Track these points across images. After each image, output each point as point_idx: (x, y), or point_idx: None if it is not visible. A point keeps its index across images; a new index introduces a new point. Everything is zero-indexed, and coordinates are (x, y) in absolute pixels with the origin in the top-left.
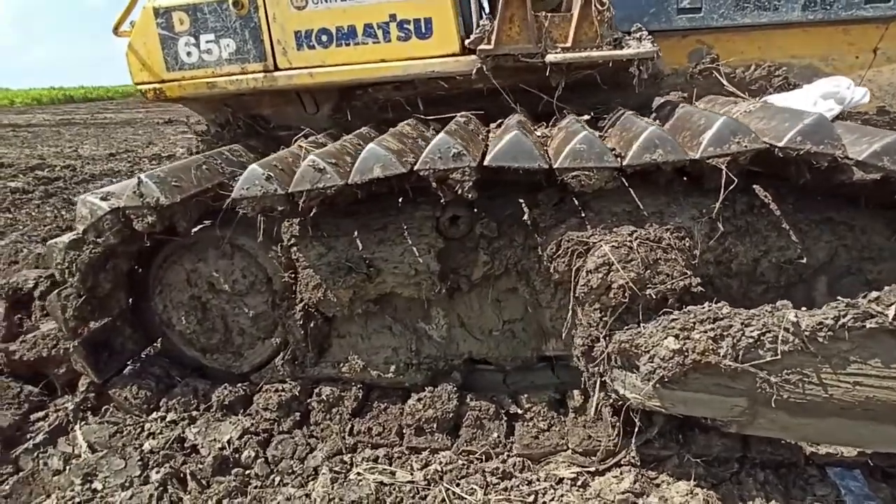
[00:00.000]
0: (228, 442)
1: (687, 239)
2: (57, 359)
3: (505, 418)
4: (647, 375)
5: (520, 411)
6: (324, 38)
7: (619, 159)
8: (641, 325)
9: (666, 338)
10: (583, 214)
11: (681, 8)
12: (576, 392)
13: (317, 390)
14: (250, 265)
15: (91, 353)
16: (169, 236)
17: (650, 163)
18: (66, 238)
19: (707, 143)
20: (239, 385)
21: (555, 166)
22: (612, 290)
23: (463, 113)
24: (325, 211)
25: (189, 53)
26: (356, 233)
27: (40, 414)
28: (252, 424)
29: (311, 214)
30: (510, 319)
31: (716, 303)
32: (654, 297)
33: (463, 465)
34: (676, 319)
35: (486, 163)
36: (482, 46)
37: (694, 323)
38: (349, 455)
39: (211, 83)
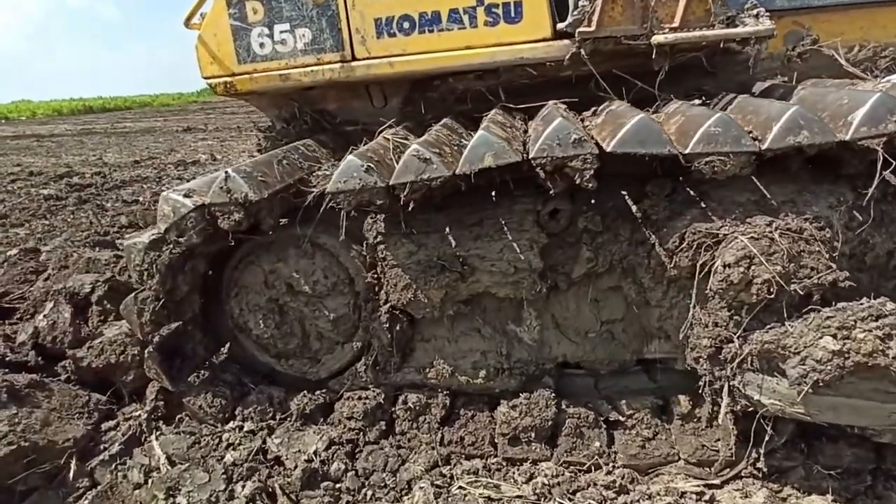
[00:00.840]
0: (315, 453)
1: (827, 230)
2: (125, 365)
3: (604, 426)
4: (798, 379)
5: (621, 418)
6: (405, 24)
7: (756, 143)
8: (786, 323)
9: (821, 338)
10: (703, 205)
11: None
12: (681, 397)
13: (402, 398)
14: (332, 265)
15: (165, 360)
16: (249, 235)
17: (793, 146)
18: (146, 238)
19: (859, 123)
20: (318, 392)
21: (686, 151)
22: (754, 285)
23: (553, 101)
24: (416, 206)
25: (262, 45)
26: (448, 229)
27: (111, 423)
28: (338, 434)
29: (408, 209)
30: (609, 320)
31: (874, 298)
32: (799, 292)
33: (570, 477)
34: (832, 317)
35: (610, 148)
36: (582, 29)
37: (854, 321)
38: (446, 467)
39: (284, 75)
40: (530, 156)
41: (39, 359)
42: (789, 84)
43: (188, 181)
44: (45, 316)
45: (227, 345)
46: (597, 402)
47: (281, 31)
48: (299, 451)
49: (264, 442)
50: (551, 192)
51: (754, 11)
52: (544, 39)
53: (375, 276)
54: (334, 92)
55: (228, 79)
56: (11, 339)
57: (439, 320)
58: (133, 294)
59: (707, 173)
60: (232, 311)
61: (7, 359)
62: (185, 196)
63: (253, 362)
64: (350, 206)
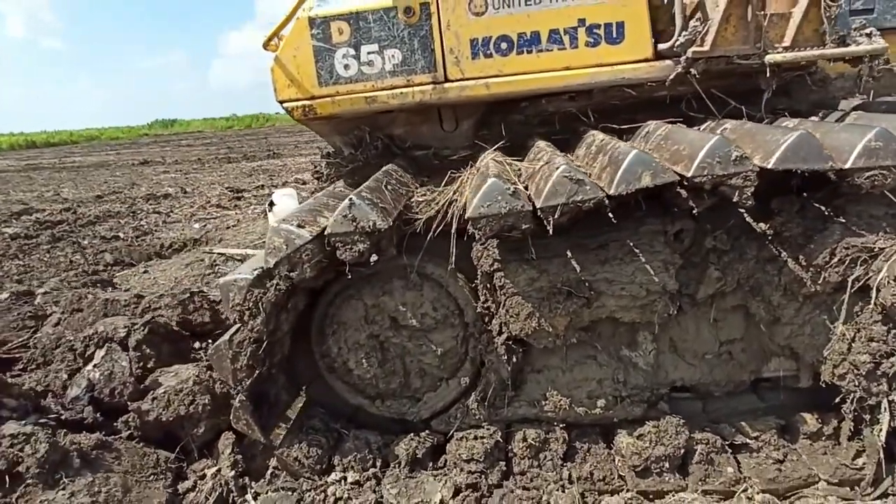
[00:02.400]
0: (442, 502)
1: None
2: (195, 417)
3: (730, 451)
4: None
5: (747, 441)
6: (503, 45)
7: None
8: None
9: None
10: (842, 220)
11: (853, 10)
12: (807, 416)
13: (519, 434)
14: (440, 296)
15: (255, 409)
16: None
17: None
18: (248, 274)
19: None
20: (424, 434)
21: (847, 166)
22: None
23: (655, 122)
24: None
25: (347, 66)
26: (569, 253)
27: (187, 484)
28: (462, 480)
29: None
30: (728, 340)
31: None
32: None
33: None
34: None
35: (770, 165)
36: (695, 48)
37: None
38: None
39: (371, 98)
40: (689, 174)
41: (98, 415)
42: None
43: (284, 211)
44: (96, 366)
45: (307, 389)
46: (720, 427)
47: (368, 52)
48: (422, 501)
49: (380, 495)
50: (694, 210)
51: (867, 30)
52: (646, 60)
53: (486, 305)
54: (403, 116)
55: (307, 102)
56: (47, 394)
57: (552, 350)
58: (228, 337)
59: (866, 188)
60: (329, 350)
61: (63, 417)
62: (300, 227)
63: (335, 406)
64: (491, 232)
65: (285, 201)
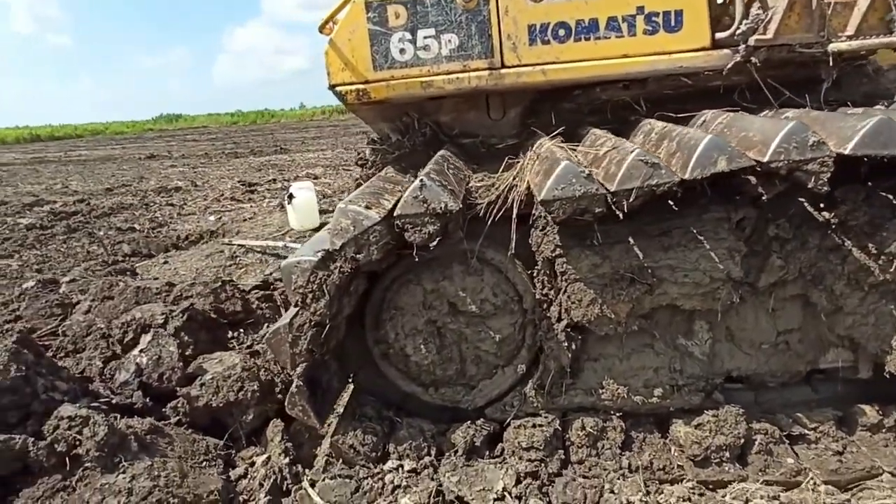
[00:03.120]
0: (505, 490)
1: None
2: (243, 403)
3: (787, 441)
4: None
5: (805, 432)
6: (561, 32)
7: None
8: None
9: None
10: None
11: None
12: (866, 407)
13: (577, 423)
14: (500, 282)
15: (311, 395)
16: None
17: None
18: (311, 256)
19: None
20: (481, 422)
21: None
22: None
23: (712, 111)
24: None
25: (402, 50)
26: (631, 239)
27: (239, 471)
28: (524, 468)
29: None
30: (786, 330)
31: None
32: None
33: (778, 497)
34: None
35: (848, 151)
36: (758, 37)
37: None
38: (648, 496)
39: (426, 83)
40: (765, 159)
41: (147, 400)
42: None
43: (351, 194)
44: (142, 351)
45: (356, 375)
46: (777, 417)
47: (425, 37)
48: (484, 489)
49: (439, 483)
50: (763, 197)
51: None
52: (703, 49)
53: (545, 292)
54: (451, 103)
55: (361, 86)
56: (104, 378)
57: (609, 338)
58: (288, 320)
59: None
60: (385, 336)
61: (114, 402)
62: (367, 208)
63: (385, 393)
64: (564, 216)
65: (304, 194)
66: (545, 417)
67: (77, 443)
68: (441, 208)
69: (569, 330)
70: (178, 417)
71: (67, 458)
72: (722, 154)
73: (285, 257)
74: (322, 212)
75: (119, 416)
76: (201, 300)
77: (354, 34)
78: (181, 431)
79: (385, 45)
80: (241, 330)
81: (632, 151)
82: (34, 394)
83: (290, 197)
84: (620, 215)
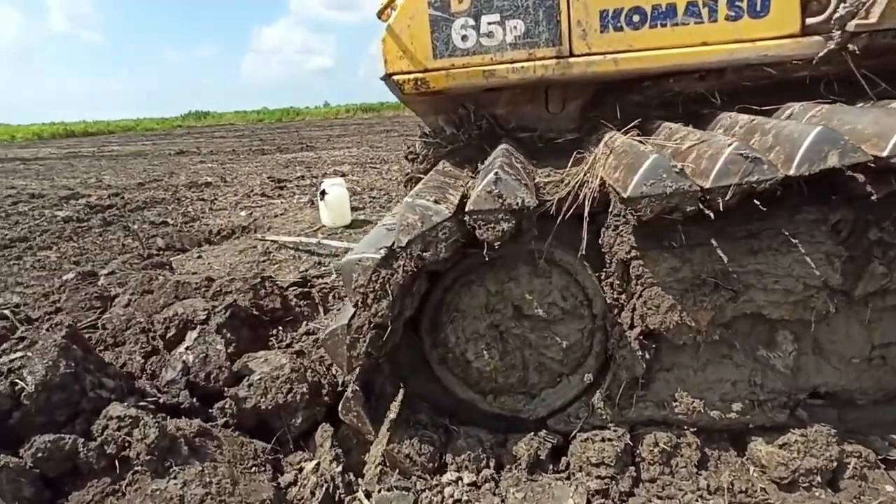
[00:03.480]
0: None
1: None
2: (292, 406)
3: (883, 467)
4: None
5: None
6: (635, 18)
7: None
8: None
9: None
10: None
11: None
12: None
13: (647, 438)
14: (570, 284)
15: (366, 401)
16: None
17: None
18: (373, 253)
19: None
20: (544, 434)
21: None
22: None
23: (801, 103)
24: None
25: (465, 37)
26: (714, 241)
27: (288, 478)
28: (594, 485)
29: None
30: (882, 344)
31: None
32: None
33: None
34: None
35: None
36: (859, 21)
37: None
38: None
39: (489, 72)
40: (885, 154)
41: (194, 399)
42: None
43: (417, 194)
44: (188, 348)
45: (407, 380)
46: (868, 439)
47: (489, 23)
48: None
49: (497, 496)
50: (872, 197)
51: None
52: (792, 35)
53: (616, 296)
54: (508, 95)
55: (420, 75)
56: (148, 373)
57: (683, 347)
58: (346, 321)
59: None
60: (445, 339)
61: (161, 401)
62: (435, 202)
63: (437, 400)
64: (651, 214)
65: (336, 191)
66: (614, 431)
67: (127, 444)
68: (517, 204)
69: (642, 338)
70: (225, 419)
71: (117, 461)
72: (833, 148)
73: (319, 254)
74: (353, 209)
75: (167, 416)
76: (241, 296)
77: (414, 20)
78: (229, 434)
79: (446, 31)
80: (280, 327)
81: (729, 144)
82: (83, 391)
83: (323, 193)
84: (712, 215)
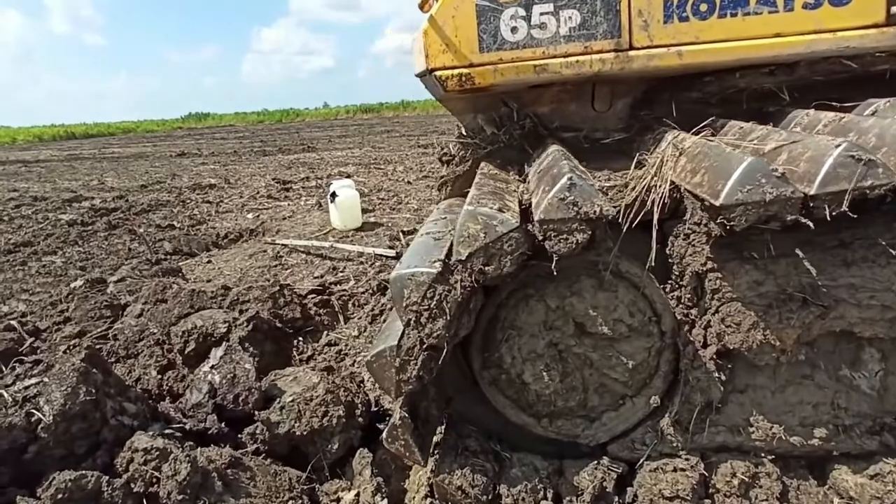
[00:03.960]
0: None
1: None
2: (328, 431)
3: None
4: None
5: None
6: (703, 7)
7: None
8: None
9: None
10: None
11: None
12: None
13: (722, 467)
14: (636, 299)
15: (415, 428)
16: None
17: None
18: (428, 267)
19: None
20: (607, 462)
21: None
22: None
23: (887, 99)
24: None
25: (514, 29)
26: (800, 252)
27: None
28: None
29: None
30: None
31: None
32: None
33: None
34: None
35: None
36: None
37: None
38: None
39: (540, 67)
40: None
41: (223, 425)
42: None
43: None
44: (214, 367)
45: (450, 402)
46: None
47: (541, 14)
48: None
49: None
50: None
51: None
52: (875, 25)
53: (686, 311)
54: (552, 92)
55: (465, 70)
56: (165, 391)
57: (759, 367)
58: (396, 341)
59: None
60: (500, 359)
61: (187, 427)
62: (500, 210)
63: (482, 423)
64: (746, 223)
65: (347, 193)
66: (686, 460)
67: (155, 480)
68: (595, 212)
69: (718, 359)
70: (255, 445)
71: (145, 500)
72: None
73: (332, 258)
74: (363, 211)
75: (195, 444)
76: (259, 305)
77: (459, 10)
78: (261, 463)
79: (494, 22)
80: (300, 338)
81: (837, 146)
82: (103, 419)
83: (333, 196)
84: (811, 225)
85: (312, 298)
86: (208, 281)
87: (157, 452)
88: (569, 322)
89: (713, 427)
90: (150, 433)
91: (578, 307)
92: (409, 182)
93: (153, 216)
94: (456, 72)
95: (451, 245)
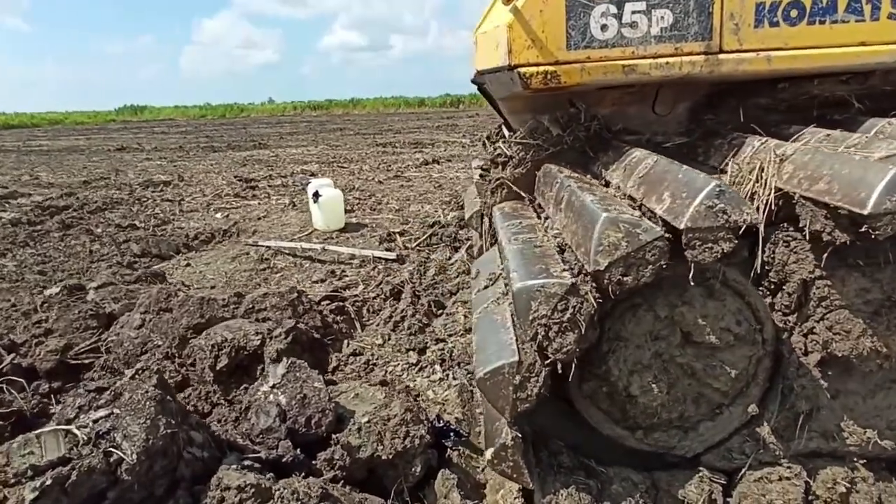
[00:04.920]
0: None
1: None
2: (410, 452)
3: None
4: None
5: None
6: (793, 13)
7: None
8: None
9: None
10: None
11: None
12: None
13: (821, 474)
14: (742, 307)
15: (526, 448)
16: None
17: None
18: (557, 278)
19: None
20: (708, 474)
21: None
22: None
23: None
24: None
25: (604, 27)
26: None
27: None
28: None
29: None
30: None
31: None
32: None
33: None
34: None
35: None
36: None
37: None
38: None
39: (629, 67)
40: None
41: (298, 451)
42: None
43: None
44: (276, 387)
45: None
46: None
47: (633, 12)
48: None
49: None
50: None
51: None
52: None
53: (783, 318)
54: (615, 94)
55: (552, 68)
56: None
57: (850, 372)
58: (517, 357)
59: None
60: (608, 372)
61: (263, 456)
62: (640, 217)
63: (571, 437)
64: (891, 232)
65: (330, 192)
66: (788, 468)
67: None
68: (744, 221)
69: (821, 367)
70: (333, 472)
71: None
72: None
73: (322, 260)
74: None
75: (273, 474)
76: (277, 314)
77: (548, 4)
78: (346, 492)
79: (584, 19)
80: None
81: None
82: (178, 453)
83: (316, 196)
84: None
85: (327, 305)
86: (190, 287)
87: (253, 490)
88: (676, 331)
89: (806, 433)
90: (234, 467)
91: (689, 316)
92: (380, 181)
93: (110, 215)
94: (541, 69)
95: (568, 252)
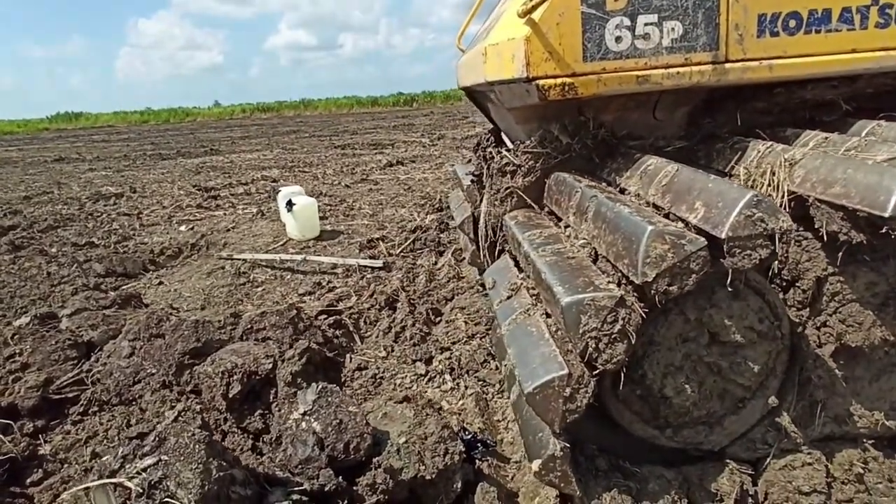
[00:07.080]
0: None
1: None
2: (451, 469)
3: None
4: None
5: None
6: (792, 23)
7: None
8: None
9: None
10: None
11: None
12: None
13: (837, 457)
14: (763, 306)
15: (573, 458)
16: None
17: None
18: (607, 291)
19: None
20: (736, 466)
21: None
22: None
23: None
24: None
25: (618, 39)
26: None
27: None
28: None
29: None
30: None
31: None
32: None
33: None
34: None
35: None
36: None
37: None
38: None
39: (643, 77)
40: None
41: (340, 479)
42: None
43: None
44: (308, 414)
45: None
46: None
47: (646, 24)
48: None
49: None
50: None
51: None
52: None
53: (797, 313)
54: (619, 101)
55: (568, 79)
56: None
57: (857, 359)
58: (566, 370)
59: None
60: (644, 375)
61: (307, 488)
62: (686, 228)
63: (600, 438)
64: None
65: (304, 201)
66: (808, 454)
67: None
68: (780, 228)
69: (835, 357)
70: (376, 497)
71: None
72: None
73: (304, 272)
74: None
75: None
76: (278, 333)
77: (565, 17)
78: None
79: (599, 31)
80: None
81: None
82: (228, 497)
83: (290, 204)
84: None
85: (325, 320)
86: (167, 307)
87: None
88: (703, 332)
89: (820, 419)
90: (286, 502)
91: (717, 318)
92: (347, 186)
93: (64, 233)
94: (559, 80)
95: (603, 262)
